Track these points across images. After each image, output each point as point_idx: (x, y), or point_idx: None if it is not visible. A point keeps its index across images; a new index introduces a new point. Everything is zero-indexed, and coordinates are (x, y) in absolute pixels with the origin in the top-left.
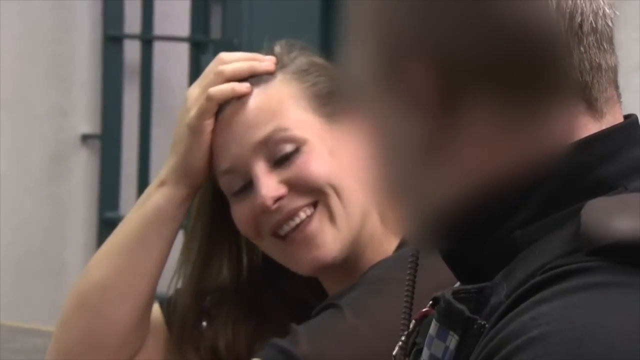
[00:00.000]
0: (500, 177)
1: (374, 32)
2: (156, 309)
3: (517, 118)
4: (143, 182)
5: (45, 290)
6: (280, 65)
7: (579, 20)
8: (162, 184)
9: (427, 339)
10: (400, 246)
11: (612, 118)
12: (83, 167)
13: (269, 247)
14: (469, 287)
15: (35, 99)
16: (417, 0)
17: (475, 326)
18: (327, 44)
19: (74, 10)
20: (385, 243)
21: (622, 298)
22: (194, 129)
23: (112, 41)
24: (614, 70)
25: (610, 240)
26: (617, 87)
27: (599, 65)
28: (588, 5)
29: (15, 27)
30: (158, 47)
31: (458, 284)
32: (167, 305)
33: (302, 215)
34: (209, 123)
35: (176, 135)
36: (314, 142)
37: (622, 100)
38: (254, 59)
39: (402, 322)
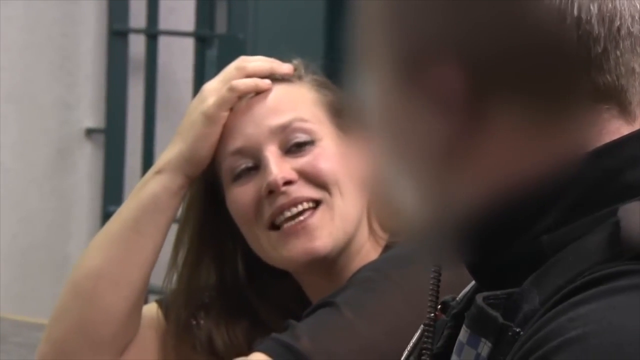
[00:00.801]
0: (527, 181)
1: (394, 33)
2: (154, 306)
3: (546, 122)
4: None
5: (48, 284)
6: (297, 74)
7: (618, 24)
8: (159, 172)
9: (456, 345)
10: (385, 249)
11: None
12: (87, 161)
13: (261, 237)
14: (498, 292)
15: (40, 93)
16: (443, 0)
17: (510, 333)
18: (332, 39)
19: (80, 4)
20: (372, 255)
21: None
22: (211, 118)
23: (117, 35)
24: None
25: None
26: None
27: (633, 69)
28: (626, 8)
29: (20, 20)
30: (163, 41)
31: (470, 286)
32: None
33: (305, 205)
34: (225, 114)
35: (186, 123)
36: (327, 141)
37: None
38: (274, 62)
39: (425, 334)
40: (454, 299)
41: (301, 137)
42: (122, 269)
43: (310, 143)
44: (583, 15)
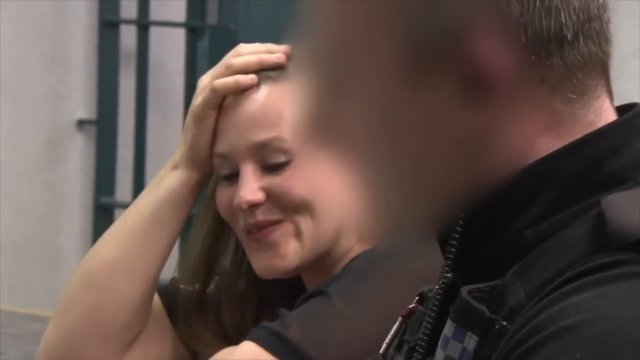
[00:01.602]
0: (508, 174)
1: (410, 6)
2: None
3: (555, 100)
4: (139, 168)
5: (40, 275)
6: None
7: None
8: (175, 167)
9: (441, 339)
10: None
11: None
12: (79, 153)
13: (240, 238)
14: (482, 285)
15: (31, 84)
16: None
17: (497, 327)
18: None
19: None
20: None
21: None
22: (198, 117)
23: (108, 26)
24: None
25: None
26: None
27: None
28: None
29: (11, 11)
30: (154, 32)
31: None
32: (166, 290)
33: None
34: (212, 113)
35: (186, 122)
36: (305, 159)
37: (621, 86)
38: (268, 51)
39: (425, 325)
40: (431, 290)
41: (278, 159)
42: (138, 261)
43: (286, 164)
44: None
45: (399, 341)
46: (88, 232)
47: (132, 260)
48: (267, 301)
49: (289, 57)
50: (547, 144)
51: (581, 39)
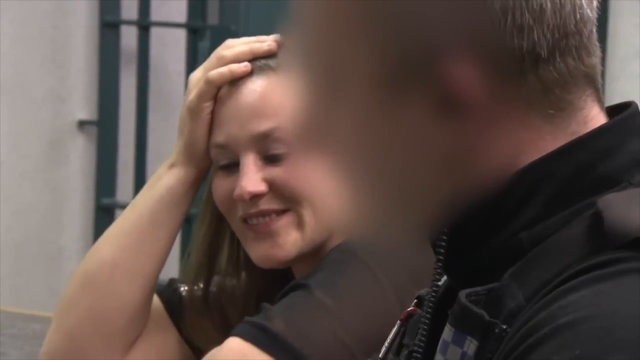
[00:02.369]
0: (505, 178)
1: (378, 37)
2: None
3: (534, 117)
4: (140, 168)
5: (42, 276)
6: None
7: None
8: (172, 165)
9: (440, 344)
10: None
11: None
12: (80, 153)
13: (236, 228)
14: (479, 289)
15: (32, 85)
16: None
17: (497, 330)
18: None
19: None
20: None
21: None
22: (193, 111)
23: (109, 27)
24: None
25: (638, 233)
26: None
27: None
28: None
29: (12, 12)
30: (155, 33)
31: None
32: (165, 291)
33: (273, 214)
34: (207, 105)
35: (180, 118)
36: (306, 147)
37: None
38: (258, 40)
39: (422, 327)
40: (428, 293)
41: (279, 149)
42: (138, 260)
43: (286, 154)
44: (577, 0)
45: (398, 345)
46: (89, 232)
47: (132, 260)
48: (266, 296)
49: (279, 45)
50: (528, 159)
51: (557, 56)
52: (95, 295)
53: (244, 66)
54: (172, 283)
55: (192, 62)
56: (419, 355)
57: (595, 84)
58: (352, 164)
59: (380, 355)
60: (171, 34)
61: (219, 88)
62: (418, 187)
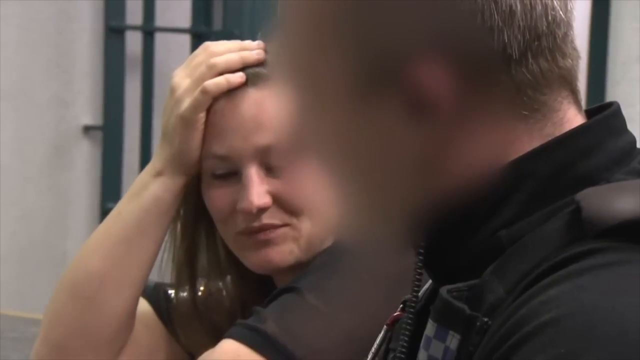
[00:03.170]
0: (483, 178)
1: (354, 29)
2: (141, 301)
3: (508, 117)
4: None
5: (47, 281)
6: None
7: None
8: (158, 174)
9: (423, 340)
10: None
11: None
12: (85, 158)
13: (230, 237)
14: (460, 285)
15: (37, 90)
16: None
17: (479, 323)
18: None
19: (75, 1)
20: None
21: (631, 277)
22: (188, 122)
23: (113, 32)
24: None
25: (616, 220)
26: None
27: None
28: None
29: (16, 17)
30: (160, 38)
31: (429, 284)
32: (153, 295)
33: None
34: (202, 116)
35: (167, 126)
36: (305, 161)
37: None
38: (243, 49)
39: (403, 332)
40: (414, 296)
41: (282, 160)
42: (126, 271)
43: (287, 167)
44: (549, 2)
45: (385, 350)
46: None
47: (119, 271)
48: (251, 299)
49: (266, 51)
50: (506, 158)
51: (530, 57)
52: (83, 306)
53: (240, 77)
54: (159, 287)
55: None
56: (402, 356)
57: (572, 86)
58: (333, 168)
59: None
60: (176, 39)
61: (214, 99)
62: (394, 190)
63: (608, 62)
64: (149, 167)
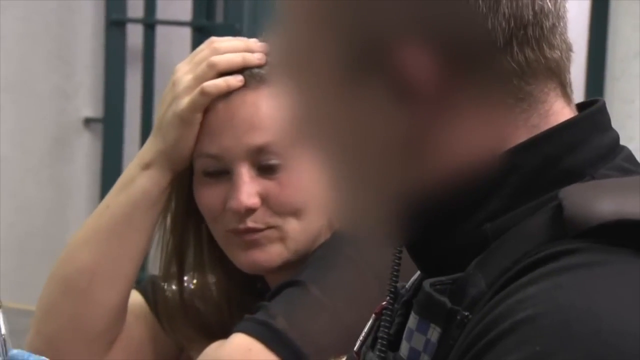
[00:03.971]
0: (469, 169)
1: (339, 24)
2: (134, 293)
3: (493, 105)
4: None
5: (46, 272)
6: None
7: None
8: (147, 167)
9: (405, 332)
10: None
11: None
12: (85, 151)
13: (220, 235)
14: (444, 278)
15: (38, 82)
16: None
17: (459, 317)
18: None
19: None
20: None
21: (607, 277)
22: (186, 120)
23: (115, 25)
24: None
25: (596, 222)
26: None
27: (569, 46)
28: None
29: (17, 9)
30: (161, 31)
31: (418, 274)
32: (146, 287)
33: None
34: (199, 116)
35: (163, 120)
36: (297, 162)
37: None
38: (247, 49)
39: (384, 322)
40: (403, 287)
41: (273, 161)
42: (117, 264)
43: (281, 167)
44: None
45: (372, 339)
46: None
47: (111, 264)
48: (237, 295)
49: (267, 54)
50: (492, 146)
51: (515, 46)
52: (75, 301)
53: (240, 80)
54: (152, 279)
55: None
56: (383, 348)
57: (560, 78)
58: (323, 155)
59: (355, 348)
60: (177, 32)
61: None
62: (381, 178)
63: (607, 58)
64: (137, 159)
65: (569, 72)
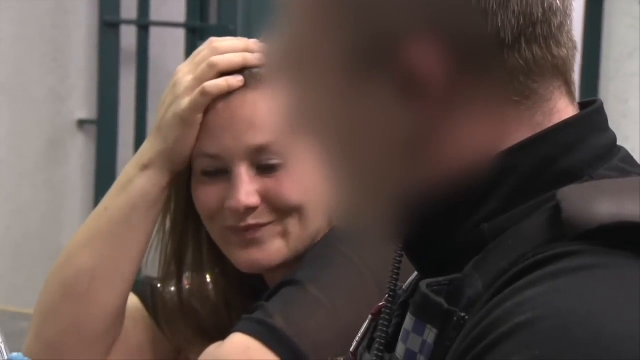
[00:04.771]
0: (469, 167)
1: (345, 21)
2: (131, 296)
3: (498, 102)
4: None
5: (42, 275)
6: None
7: None
8: (145, 168)
9: (402, 333)
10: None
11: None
12: (80, 153)
13: (218, 233)
14: (441, 279)
15: (32, 85)
16: None
17: (456, 318)
18: None
19: None
20: None
21: (607, 281)
22: (186, 121)
23: (108, 26)
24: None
25: (595, 224)
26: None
27: (574, 44)
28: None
29: (12, 11)
30: (155, 32)
31: (415, 275)
32: (143, 289)
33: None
34: (200, 116)
35: (163, 121)
36: (297, 162)
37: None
38: (247, 49)
39: (382, 322)
40: (400, 287)
41: (273, 160)
42: (116, 266)
43: (280, 166)
44: None
45: (369, 339)
46: None
47: (111, 266)
48: (234, 296)
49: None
50: (494, 145)
51: (523, 43)
52: (75, 304)
53: (240, 80)
54: (148, 281)
55: None
56: (381, 347)
57: (565, 77)
58: (325, 150)
59: (352, 349)
60: (170, 33)
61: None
62: (383, 174)
63: (601, 58)
64: (135, 160)
65: (574, 71)
